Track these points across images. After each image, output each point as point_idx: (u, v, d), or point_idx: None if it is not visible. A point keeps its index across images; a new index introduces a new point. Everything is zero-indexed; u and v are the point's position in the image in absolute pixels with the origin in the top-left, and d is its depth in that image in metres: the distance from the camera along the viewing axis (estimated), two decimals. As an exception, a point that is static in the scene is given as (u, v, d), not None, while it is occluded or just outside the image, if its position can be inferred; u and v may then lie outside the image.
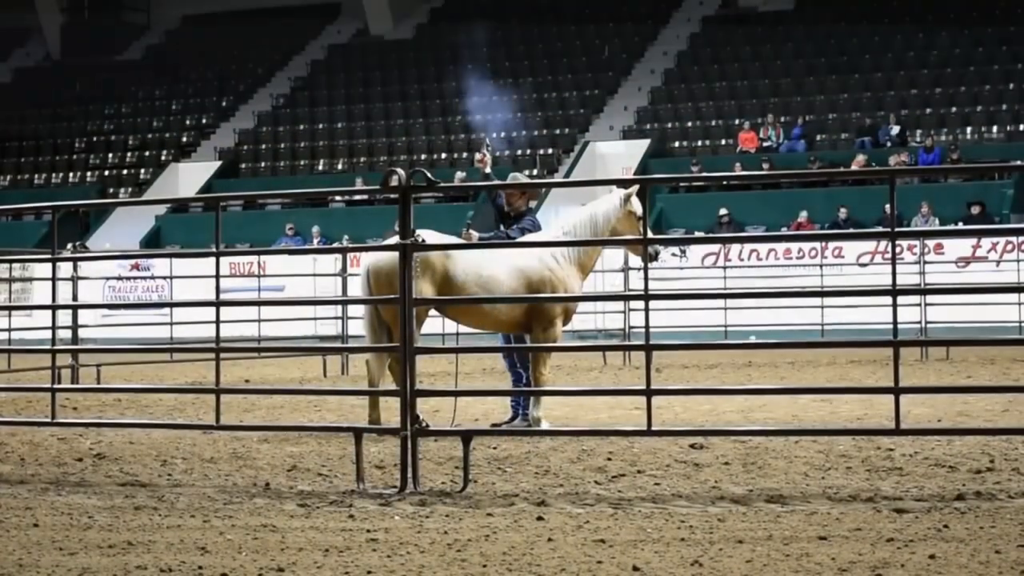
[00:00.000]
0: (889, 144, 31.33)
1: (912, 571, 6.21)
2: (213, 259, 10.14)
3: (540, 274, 11.53)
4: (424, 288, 10.95)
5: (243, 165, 38.11)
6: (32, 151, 41.18)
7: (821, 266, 25.37)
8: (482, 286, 11.33)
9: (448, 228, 12.25)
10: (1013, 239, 24.57)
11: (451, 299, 11.13)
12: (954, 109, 32.92)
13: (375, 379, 11.49)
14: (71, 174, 39.71)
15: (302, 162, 37.52)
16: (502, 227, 12.31)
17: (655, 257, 11.95)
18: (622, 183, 13.21)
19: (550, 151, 34.95)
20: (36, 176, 40.09)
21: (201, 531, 7.44)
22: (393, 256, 10.17)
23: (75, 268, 19.02)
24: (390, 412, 10.49)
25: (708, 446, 10.25)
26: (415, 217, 9.08)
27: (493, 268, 11.43)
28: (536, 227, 12.31)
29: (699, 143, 34.29)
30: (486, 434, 10.67)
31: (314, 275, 24.22)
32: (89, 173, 39.53)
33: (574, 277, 11.73)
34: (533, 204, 13.02)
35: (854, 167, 28.99)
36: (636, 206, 11.69)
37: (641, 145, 33.90)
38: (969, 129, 32.18)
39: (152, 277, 28.60)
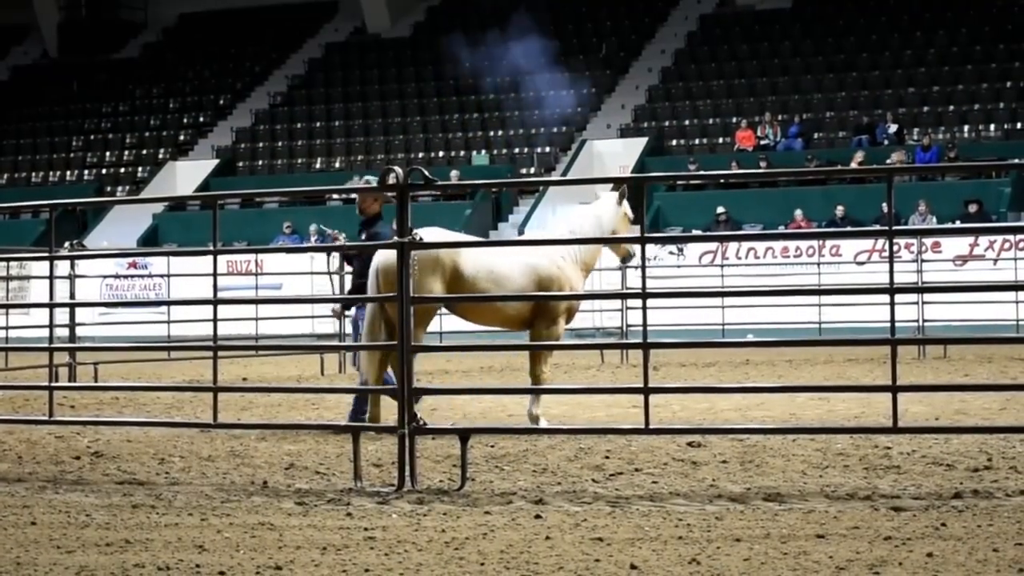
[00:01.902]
0: (886, 142, 31.32)
1: (910, 569, 6.21)
2: (210, 257, 10.13)
3: (548, 271, 11.60)
4: (434, 286, 10.97)
5: (240, 163, 38.09)
6: (29, 149, 41.12)
7: (818, 264, 25.37)
8: (493, 283, 11.36)
9: (448, 227, 12.25)
10: (1010, 237, 24.59)
11: (450, 297, 11.12)
12: (951, 107, 32.91)
13: (372, 377, 11.47)
14: (68, 172, 39.68)
15: (299, 160, 37.49)
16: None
17: (630, 258, 12.64)
18: (620, 181, 13.23)
19: (547, 149, 34.94)
20: (33, 174, 40.06)
21: (199, 529, 7.44)
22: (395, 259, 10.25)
23: (72, 266, 19.02)
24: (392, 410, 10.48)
25: (706, 444, 10.26)
26: (413, 215, 9.07)
27: (504, 265, 11.48)
28: (386, 234, 12.21)
29: (696, 141, 34.27)
30: (484, 432, 10.68)
31: (311, 273, 24.22)
32: (86, 171, 39.48)
33: (578, 276, 11.87)
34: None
35: (853, 165, 28.99)
36: (627, 206, 11.95)
37: (638, 143, 33.88)
38: (967, 127, 32.17)
39: (150, 275, 28.58)
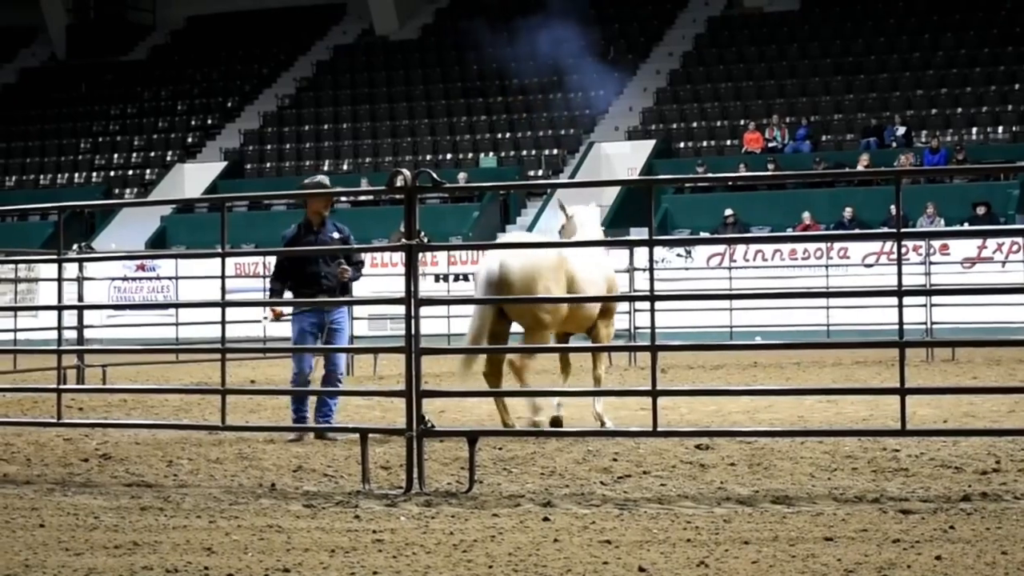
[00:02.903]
0: (895, 145, 31.32)
1: (918, 572, 6.21)
2: (219, 259, 10.14)
3: (610, 273, 12.06)
4: (559, 292, 11.20)
5: (248, 165, 38.12)
6: (37, 151, 41.19)
7: (827, 267, 25.36)
8: (593, 285, 11.61)
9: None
10: (1019, 239, 24.54)
11: (450, 300, 11.14)
12: (959, 110, 32.89)
13: (464, 380, 11.56)
14: (76, 175, 39.74)
15: (307, 163, 37.49)
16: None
17: None
18: (627, 184, 13.41)
19: (555, 152, 34.94)
20: (42, 177, 40.11)
21: (207, 531, 7.45)
22: (523, 261, 10.89)
23: (81, 269, 19.03)
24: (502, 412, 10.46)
25: (714, 447, 10.24)
26: (423, 217, 9.08)
27: (593, 269, 11.77)
28: (349, 233, 12.44)
29: (704, 144, 34.27)
30: (492, 435, 10.67)
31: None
32: (95, 174, 39.54)
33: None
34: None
35: (859, 168, 28.97)
36: None
37: (646, 146, 33.88)
38: (975, 129, 32.17)
39: (158, 278, 28.61)
